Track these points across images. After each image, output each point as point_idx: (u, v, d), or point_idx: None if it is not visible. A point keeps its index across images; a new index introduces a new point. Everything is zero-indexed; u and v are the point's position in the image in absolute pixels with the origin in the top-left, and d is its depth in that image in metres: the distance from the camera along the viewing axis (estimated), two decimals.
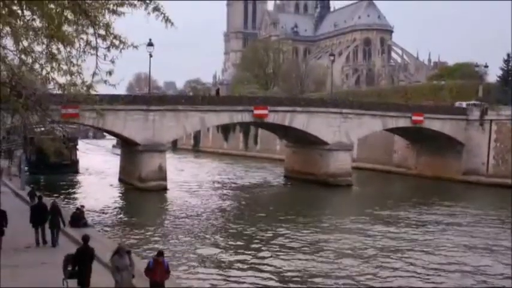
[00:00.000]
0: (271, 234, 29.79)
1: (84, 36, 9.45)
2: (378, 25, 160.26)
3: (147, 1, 9.98)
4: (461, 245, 27.58)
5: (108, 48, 8.69)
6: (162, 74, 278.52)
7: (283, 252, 25.71)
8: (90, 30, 8.46)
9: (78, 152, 63.01)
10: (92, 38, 9.06)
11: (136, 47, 9.03)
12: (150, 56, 48.62)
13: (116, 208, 39.81)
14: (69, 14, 8.24)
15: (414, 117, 56.45)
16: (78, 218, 23.67)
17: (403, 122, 57.23)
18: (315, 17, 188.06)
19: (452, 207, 40.51)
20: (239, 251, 26.16)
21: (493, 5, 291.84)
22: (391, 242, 28.16)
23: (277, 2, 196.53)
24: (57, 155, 23.34)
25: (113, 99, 40.94)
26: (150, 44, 46.15)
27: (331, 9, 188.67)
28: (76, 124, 52.63)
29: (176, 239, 28.36)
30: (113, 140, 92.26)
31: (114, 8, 9.20)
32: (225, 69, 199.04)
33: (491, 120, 56.59)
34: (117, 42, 8.74)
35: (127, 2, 9.42)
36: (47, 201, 23.69)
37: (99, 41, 8.40)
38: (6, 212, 19.72)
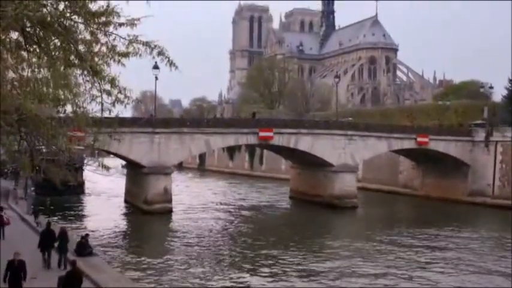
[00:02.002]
0: (273, 262, 29.72)
1: (88, 82, 9.64)
2: (383, 44, 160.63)
3: (152, 46, 10.20)
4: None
5: (113, 104, 8.88)
6: (168, 92, 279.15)
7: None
8: (96, 84, 8.63)
9: (84, 173, 63.10)
10: (95, 87, 9.23)
11: (140, 101, 9.18)
12: (156, 78, 48.99)
13: (121, 233, 39.81)
14: (75, 70, 8.45)
15: (419, 139, 56.48)
16: (84, 247, 23.76)
17: (408, 144, 57.26)
18: (320, 36, 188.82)
19: (458, 233, 40.21)
20: (242, 278, 26.17)
21: (493, 6, 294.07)
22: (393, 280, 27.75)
23: (283, 20, 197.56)
24: (63, 183, 23.55)
25: (119, 122, 41.19)
26: (156, 67, 46.31)
27: (336, 27, 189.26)
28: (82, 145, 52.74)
29: (180, 266, 28.36)
30: (117, 159, 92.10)
31: (119, 58, 9.36)
32: (230, 88, 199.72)
33: (496, 142, 56.54)
34: (122, 97, 8.91)
35: (131, 51, 9.59)
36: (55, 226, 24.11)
37: (104, 96, 8.59)
38: (25, 263, 17.78)
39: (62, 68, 8.90)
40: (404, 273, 27.70)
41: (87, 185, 63.12)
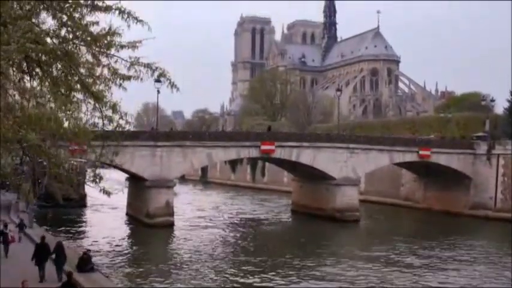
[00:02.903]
0: (273, 278, 29.65)
1: (90, 104, 9.71)
2: (385, 55, 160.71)
3: (153, 68, 10.33)
4: None
5: (114, 130, 8.97)
6: (170, 103, 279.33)
7: None
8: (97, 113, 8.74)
9: (85, 186, 63.04)
10: (96, 110, 9.32)
11: (142, 131, 9.25)
12: (158, 92, 49.05)
13: (122, 247, 39.70)
14: (76, 94, 8.58)
15: (421, 152, 56.47)
16: (85, 263, 23.75)
17: (410, 157, 57.24)
18: (322, 47, 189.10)
19: (459, 249, 39.92)
20: None
21: (493, 12, 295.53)
22: None
23: (285, 32, 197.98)
24: (65, 198, 23.80)
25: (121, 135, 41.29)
26: (158, 81, 46.11)
27: (338, 39, 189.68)
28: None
29: (181, 282, 28.34)
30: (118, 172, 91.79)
31: (121, 82, 9.44)
32: (232, 99, 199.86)
33: (498, 155, 56.50)
34: (123, 123, 9.01)
35: (133, 74, 9.68)
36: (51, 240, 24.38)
37: (106, 121, 8.68)
38: None
39: (64, 92, 8.96)
40: None
41: (88, 197, 63.10)
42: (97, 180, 8.88)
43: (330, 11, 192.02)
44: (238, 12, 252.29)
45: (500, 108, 75.17)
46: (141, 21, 9.03)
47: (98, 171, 8.97)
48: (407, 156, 57.30)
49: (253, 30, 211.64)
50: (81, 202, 59.26)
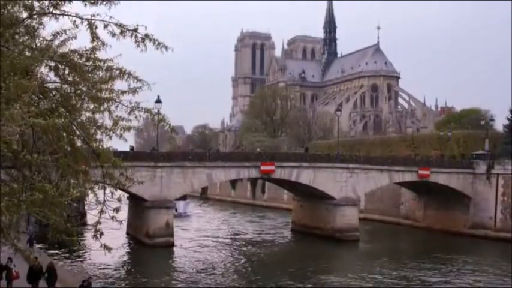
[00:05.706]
0: None
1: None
2: (385, 71, 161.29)
3: (153, 113, 10.58)
4: None
5: (114, 187, 9.13)
6: (170, 118, 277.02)
7: None
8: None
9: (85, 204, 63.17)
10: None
11: (142, 182, 9.42)
12: (158, 113, 49.10)
13: (122, 269, 39.86)
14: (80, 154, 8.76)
15: (421, 172, 56.63)
16: None
17: (409, 177, 57.40)
18: (322, 63, 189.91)
19: (460, 267, 40.06)
20: None
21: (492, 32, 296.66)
22: None
23: (285, 47, 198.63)
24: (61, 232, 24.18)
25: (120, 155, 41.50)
26: (158, 101, 46.57)
27: (338, 55, 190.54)
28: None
29: None
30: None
31: (121, 132, 9.64)
32: (233, 115, 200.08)
33: (497, 174, 56.60)
34: (123, 180, 9.18)
35: (133, 126, 9.88)
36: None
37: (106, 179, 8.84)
38: None
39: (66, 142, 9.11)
40: None
41: (88, 216, 63.14)
42: (98, 236, 9.03)
43: (330, 27, 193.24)
44: (239, 28, 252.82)
45: (500, 123, 75.12)
46: (140, 80, 9.24)
47: (98, 226, 9.10)
48: (407, 175, 57.46)
49: (254, 46, 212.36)
50: (81, 221, 59.28)
